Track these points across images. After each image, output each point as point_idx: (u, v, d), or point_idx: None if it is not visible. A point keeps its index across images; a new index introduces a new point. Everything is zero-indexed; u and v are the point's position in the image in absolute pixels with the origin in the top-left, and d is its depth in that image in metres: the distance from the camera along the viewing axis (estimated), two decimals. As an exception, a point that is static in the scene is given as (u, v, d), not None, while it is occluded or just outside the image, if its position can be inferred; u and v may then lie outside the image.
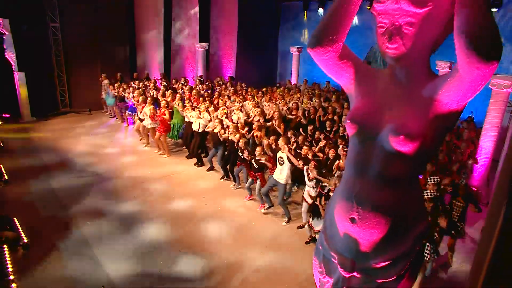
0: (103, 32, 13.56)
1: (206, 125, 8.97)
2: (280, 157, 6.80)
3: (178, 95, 10.36)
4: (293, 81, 15.41)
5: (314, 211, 6.06)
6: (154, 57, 14.84)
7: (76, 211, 6.92)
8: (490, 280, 2.31)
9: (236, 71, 16.38)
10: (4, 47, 11.53)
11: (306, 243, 6.32)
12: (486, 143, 8.18)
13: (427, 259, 5.10)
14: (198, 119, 9.05)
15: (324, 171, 6.58)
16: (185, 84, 12.77)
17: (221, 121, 8.55)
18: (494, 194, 3.65)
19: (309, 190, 6.35)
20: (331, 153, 7.16)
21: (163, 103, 9.68)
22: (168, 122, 9.73)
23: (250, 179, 7.63)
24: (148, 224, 6.61)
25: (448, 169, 7.44)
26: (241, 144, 7.54)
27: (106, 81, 12.82)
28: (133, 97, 10.74)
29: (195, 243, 6.13)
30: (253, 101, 10.29)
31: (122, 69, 14.01)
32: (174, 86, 12.70)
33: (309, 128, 8.72)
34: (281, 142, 6.96)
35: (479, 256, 3.32)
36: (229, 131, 8.17)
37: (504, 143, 8.16)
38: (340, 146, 7.39)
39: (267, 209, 7.29)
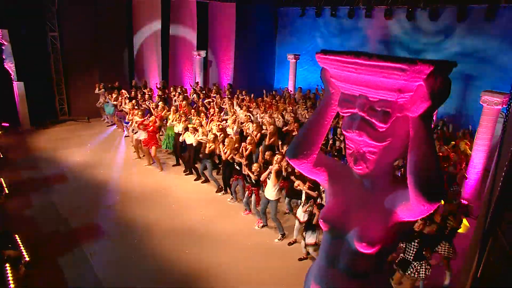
0: (102, 40, 13.70)
1: (200, 139, 9.08)
2: (270, 172, 6.96)
3: (173, 107, 10.50)
4: (290, 89, 15.55)
5: (307, 225, 6.24)
6: (153, 65, 14.98)
7: (77, 226, 7.06)
8: None
9: (234, 77, 16.52)
10: (3, 57, 11.65)
11: (300, 259, 6.50)
12: (478, 157, 8.38)
13: (422, 276, 5.30)
14: (190, 134, 9.16)
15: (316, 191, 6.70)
16: (182, 93, 12.90)
17: (215, 136, 8.68)
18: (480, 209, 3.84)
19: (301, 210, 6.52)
20: None
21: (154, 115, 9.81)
22: (157, 135, 9.79)
23: (246, 193, 7.77)
24: (149, 242, 6.77)
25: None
26: (237, 159, 7.72)
27: (102, 90, 12.98)
28: (127, 108, 10.88)
29: (192, 261, 6.30)
30: (247, 113, 10.41)
31: (121, 77, 14.15)
32: (171, 95, 12.84)
33: None
34: (276, 157, 7.07)
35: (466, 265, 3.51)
36: (223, 146, 8.30)
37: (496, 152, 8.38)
38: None
39: (262, 227, 7.45)
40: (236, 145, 8.53)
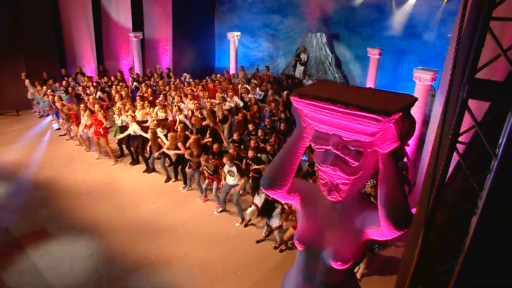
0: (26, 24, 12.45)
1: (145, 128, 8.82)
2: (230, 171, 7.02)
3: (117, 97, 10.01)
4: (232, 70, 15.38)
5: (267, 209, 6.43)
6: (86, 49, 13.94)
7: (19, 234, 6.60)
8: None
9: (173, 59, 15.96)
10: None
11: (257, 242, 6.72)
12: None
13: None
14: (132, 124, 8.88)
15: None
16: (121, 81, 12.25)
17: (154, 133, 8.43)
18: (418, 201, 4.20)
19: (260, 196, 6.67)
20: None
21: (96, 107, 9.20)
22: (104, 123, 9.25)
23: (206, 181, 7.74)
24: (102, 241, 6.54)
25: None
26: (186, 156, 7.68)
27: (27, 81, 11.98)
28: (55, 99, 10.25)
29: (152, 253, 6.23)
30: (195, 101, 10.23)
31: (50, 64, 13.06)
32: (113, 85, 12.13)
33: (250, 127, 8.83)
34: (225, 159, 7.00)
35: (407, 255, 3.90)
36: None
37: (429, 123, 9.13)
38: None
39: (220, 212, 7.54)
40: (181, 135, 8.43)
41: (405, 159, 8.46)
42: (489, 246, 2.99)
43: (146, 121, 9.28)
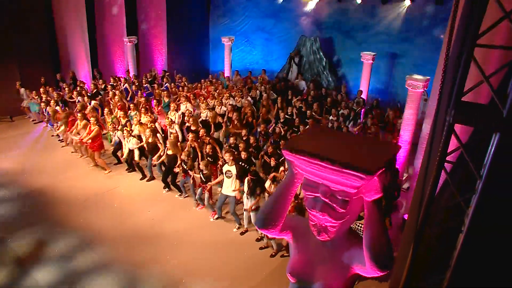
0: (18, 29, 12.41)
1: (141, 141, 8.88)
2: (228, 171, 7.07)
3: (106, 110, 10.02)
4: (227, 73, 15.46)
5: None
6: (80, 54, 13.90)
7: (16, 246, 6.61)
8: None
9: (168, 63, 15.99)
10: None
11: (261, 248, 6.87)
12: (405, 135, 9.20)
13: None
14: (129, 138, 8.87)
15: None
16: (116, 85, 12.27)
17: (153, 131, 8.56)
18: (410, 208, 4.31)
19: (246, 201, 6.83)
20: (272, 162, 7.58)
21: (92, 120, 9.18)
22: (99, 137, 9.26)
23: (199, 189, 7.80)
24: (100, 251, 6.60)
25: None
26: (183, 157, 7.71)
27: (22, 90, 11.99)
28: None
29: (148, 261, 6.29)
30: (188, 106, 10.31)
31: (44, 69, 13.02)
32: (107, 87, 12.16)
33: (243, 132, 8.91)
34: (227, 156, 7.15)
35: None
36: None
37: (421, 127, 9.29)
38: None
39: (216, 219, 7.61)
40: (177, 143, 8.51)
41: (397, 165, 8.63)
42: (475, 262, 3.10)
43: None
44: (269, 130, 9.90)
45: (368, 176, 1.81)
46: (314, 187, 2.08)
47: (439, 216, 3.59)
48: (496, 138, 2.63)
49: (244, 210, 7.05)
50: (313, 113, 10.58)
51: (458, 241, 3.16)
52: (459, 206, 3.21)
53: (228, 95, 11.26)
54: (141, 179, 9.14)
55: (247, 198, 6.84)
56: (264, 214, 2.37)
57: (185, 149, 8.07)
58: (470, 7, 2.63)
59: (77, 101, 11.13)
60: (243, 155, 7.47)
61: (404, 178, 9.24)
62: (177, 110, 10.30)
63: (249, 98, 11.56)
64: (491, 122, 2.68)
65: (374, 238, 2.00)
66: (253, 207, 6.77)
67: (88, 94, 11.65)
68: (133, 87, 12.35)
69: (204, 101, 10.67)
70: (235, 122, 9.69)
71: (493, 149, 2.79)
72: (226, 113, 10.42)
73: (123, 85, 12.55)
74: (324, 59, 14.53)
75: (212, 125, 9.86)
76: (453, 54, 2.72)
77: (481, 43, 2.68)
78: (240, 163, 7.26)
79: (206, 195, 7.64)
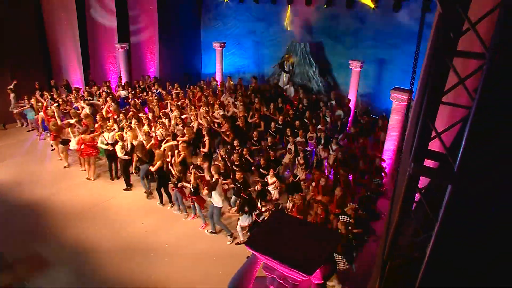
0: (10, 34, 12.53)
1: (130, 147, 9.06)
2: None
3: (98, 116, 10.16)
4: (218, 78, 15.66)
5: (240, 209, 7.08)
6: (72, 60, 14.02)
7: (13, 259, 6.80)
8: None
9: (160, 68, 16.15)
10: None
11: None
12: (390, 145, 9.56)
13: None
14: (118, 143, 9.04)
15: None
16: (109, 92, 12.45)
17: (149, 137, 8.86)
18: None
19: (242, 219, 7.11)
20: (258, 187, 7.79)
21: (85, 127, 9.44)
22: (93, 144, 9.43)
23: (189, 201, 8.05)
24: (95, 264, 6.83)
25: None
26: (175, 173, 7.96)
27: (12, 95, 12.13)
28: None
29: (142, 273, 6.56)
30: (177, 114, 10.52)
31: (36, 75, 13.15)
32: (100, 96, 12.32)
33: (235, 143, 9.15)
34: (213, 171, 7.41)
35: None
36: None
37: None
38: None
39: (211, 233, 7.84)
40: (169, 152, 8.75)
41: (383, 174, 8.98)
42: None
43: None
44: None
45: (307, 276, 2.32)
46: (272, 270, 2.53)
47: (405, 248, 3.89)
48: (449, 189, 2.93)
49: (240, 226, 7.31)
50: (305, 120, 10.79)
51: (420, 273, 3.46)
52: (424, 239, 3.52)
53: (217, 106, 11.45)
54: (125, 189, 9.28)
55: (247, 215, 7.11)
56: (233, 286, 2.83)
57: (176, 162, 8.26)
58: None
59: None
60: (238, 175, 7.79)
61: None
62: (166, 117, 10.52)
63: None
64: (445, 176, 2.97)
65: None
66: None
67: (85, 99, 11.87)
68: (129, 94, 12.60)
69: (194, 111, 10.88)
70: (227, 133, 9.94)
71: (447, 196, 3.10)
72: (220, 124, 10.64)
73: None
74: (314, 64, 14.79)
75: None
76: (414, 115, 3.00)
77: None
78: (236, 183, 7.76)
79: (196, 205, 7.90)
